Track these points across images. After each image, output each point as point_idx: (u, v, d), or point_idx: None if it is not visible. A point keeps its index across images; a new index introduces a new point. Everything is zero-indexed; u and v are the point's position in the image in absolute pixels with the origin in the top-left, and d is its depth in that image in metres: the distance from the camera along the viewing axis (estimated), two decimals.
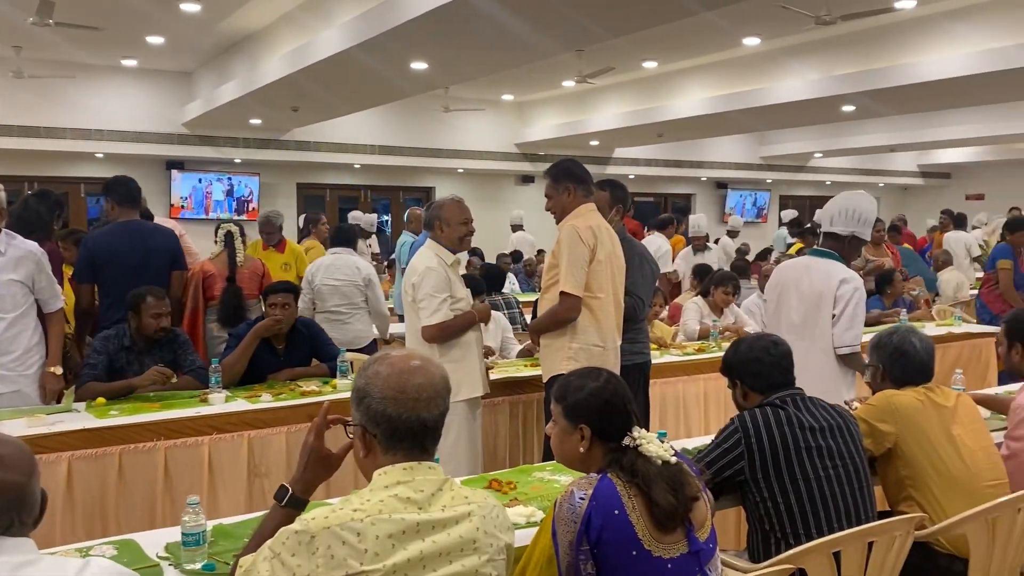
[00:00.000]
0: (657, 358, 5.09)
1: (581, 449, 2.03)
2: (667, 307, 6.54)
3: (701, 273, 7.02)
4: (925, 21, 8.43)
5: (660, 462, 1.92)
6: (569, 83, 11.32)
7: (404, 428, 1.67)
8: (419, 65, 7.98)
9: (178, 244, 4.86)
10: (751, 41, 9.61)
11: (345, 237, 5.79)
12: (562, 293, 3.59)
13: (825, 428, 2.52)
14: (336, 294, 5.46)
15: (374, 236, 11.00)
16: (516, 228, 12.51)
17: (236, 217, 12.98)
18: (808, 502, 2.43)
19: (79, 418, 3.57)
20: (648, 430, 2.02)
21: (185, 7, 8.20)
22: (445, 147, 13.89)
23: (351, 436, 1.77)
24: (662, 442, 2.90)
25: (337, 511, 1.58)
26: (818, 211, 3.84)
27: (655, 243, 8.50)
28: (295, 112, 10.74)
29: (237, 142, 12.41)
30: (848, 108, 10.76)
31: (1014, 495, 2.54)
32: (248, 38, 9.63)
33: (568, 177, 3.79)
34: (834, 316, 3.55)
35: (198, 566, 2.14)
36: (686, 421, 4.92)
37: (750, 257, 10.96)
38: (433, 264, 3.72)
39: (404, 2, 6.36)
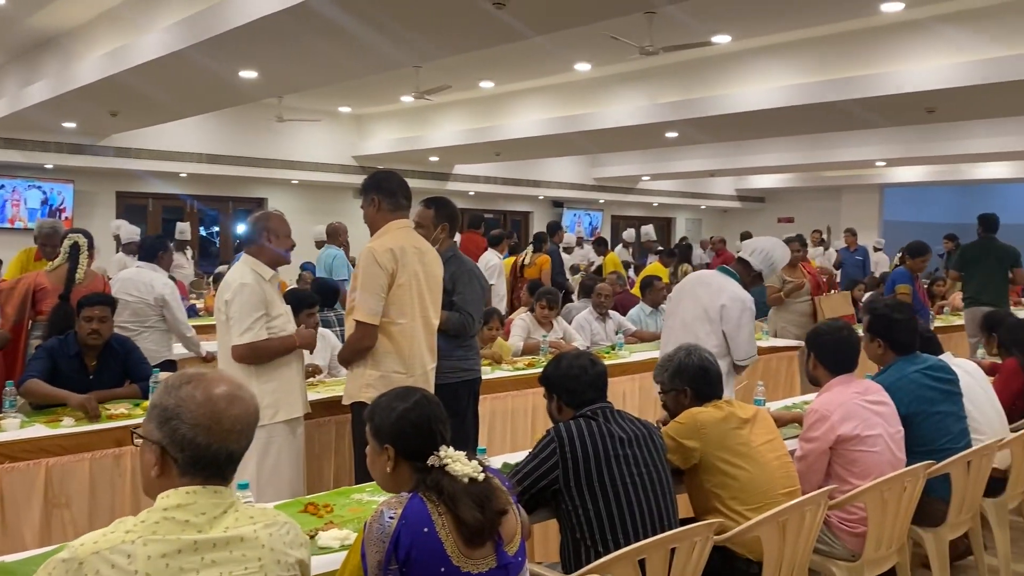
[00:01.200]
0: (488, 374, 5.18)
1: (388, 469, 2.06)
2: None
3: (532, 289, 7.19)
4: (740, 56, 9.07)
5: (466, 479, 1.95)
6: (407, 98, 11.30)
7: (210, 458, 1.61)
8: (248, 73, 7.74)
9: None
10: (582, 67, 9.98)
11: (150, 251, 5.48)
12: (356, 322, 3.48)
13: (632, 439, 2.65)
14: (127, 309, 5.11)
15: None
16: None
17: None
18: (616, 508, 2.55)
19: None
20: (477, 446, 2.06)
21: None
22: (278, 157, 13.49)
23: (136, 444, 1.68)
24: (481, 458, 2.96)
25: (108, 535, 1.51)
26: (747, 242, 4.36)
27: (486, 258, 8.63)
28: (114, 116, 10.11)
29: (48, 146, 11.53)
30: (672, 134, 11.38)
31: (800, 499, 2.76)
32: (64, 34, 8.98)
33: (375, 189, 3.68)
34: (725, 333, 4.02)
35: None
36: (514, 435, 5.01)
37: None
38: (249, 280, 3.51)
39: (232, 8, 6.15)
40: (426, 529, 1.89)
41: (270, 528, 1.66)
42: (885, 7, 7.32)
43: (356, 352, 3.53)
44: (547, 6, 5.71)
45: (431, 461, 1.98)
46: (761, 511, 2.73)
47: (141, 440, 1.67)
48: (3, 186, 11.98)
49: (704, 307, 4.08)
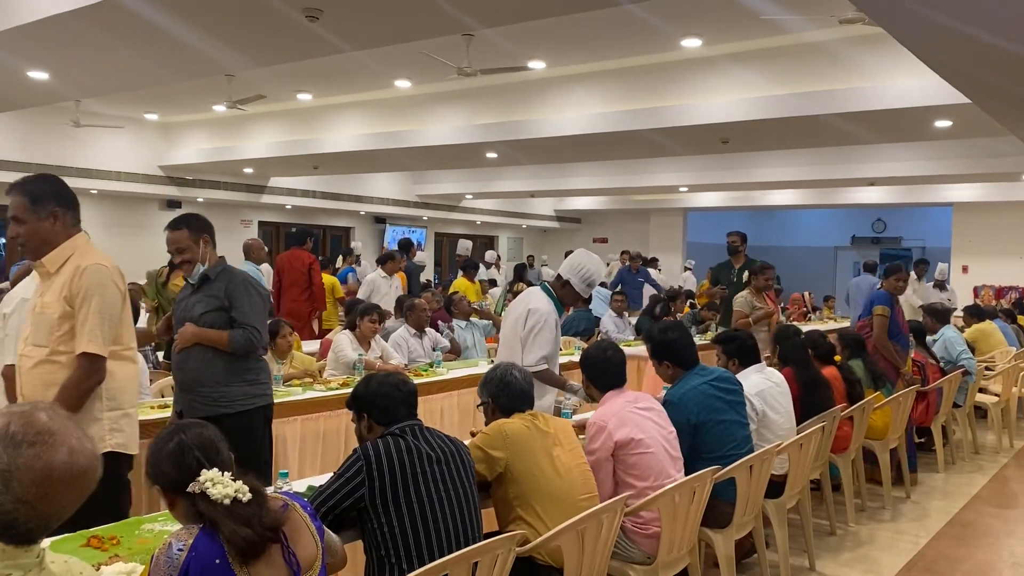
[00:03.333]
0: (300, 394, 5.04)
1: (164, 505, 2.07)
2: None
3: (351, 305, 7.09)
4: (554, 81, 9.42)
5: (228, 501, 1.91)
6: (220, 107, 10.86)
7: (25, 531, 1.43)
8: (39, 74, 7.16)
9: None
10: (403, 83, 9.99)
11: None
12: (85, 355, 2.88)
13: (440, 457, 2.69)
14: None
15: None
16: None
17: None
18: (421, 525, 2.56)
19: None
20: (272, 470, 2.01)
21: None
22: (75, 165, 12.52)
23: None
24: (283, 482, 2.88)
25: None
26: (567, 259, 4.44)
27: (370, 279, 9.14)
28: None
29: None
30: (492, 155, 11.62)
31: (597, 507, 2.88)
32: None
33: (55, 199, 3.00)
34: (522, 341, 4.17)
35: None
36: (324, 457, 4.90)
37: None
38: (31, 295, 3.32)
39: (18, 3, 5.68)
40: (218, 560, 1.85)
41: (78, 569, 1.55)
42: (685, 43, 7.87)
43: (87, 393, 2.92)
44: (362, 22, 5.69)
45: (190, 488, 1.93)
46: (563, 518, 2.83)
47: None
48: None
49: (515, 319, 4.29)
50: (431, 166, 14.70)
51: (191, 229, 3.71)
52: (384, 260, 9.34)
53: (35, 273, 3.40)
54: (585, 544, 2.81)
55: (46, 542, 1.63)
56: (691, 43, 7.86)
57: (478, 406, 3.33)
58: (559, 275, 4.37)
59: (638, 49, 8.36)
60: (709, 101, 8.43)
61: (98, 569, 2.26)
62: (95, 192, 13.33)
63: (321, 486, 2.64)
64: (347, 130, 11.31)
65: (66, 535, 2.47)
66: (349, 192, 16.61)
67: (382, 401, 2.76)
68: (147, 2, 5.20)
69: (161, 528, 2.64)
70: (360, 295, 8.90)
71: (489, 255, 14.48)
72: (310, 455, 4.82)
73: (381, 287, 8.90)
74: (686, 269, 16.20)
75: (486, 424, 3.25)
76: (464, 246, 11.99)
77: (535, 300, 4.28)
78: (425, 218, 19.05)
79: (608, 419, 3.37)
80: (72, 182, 11.09)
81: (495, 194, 17.71)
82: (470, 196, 18.36)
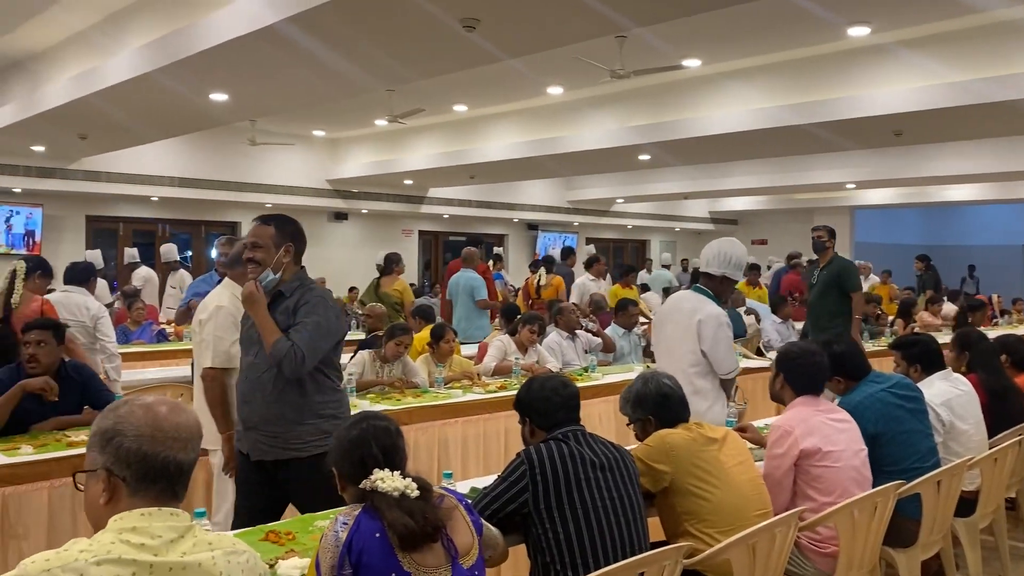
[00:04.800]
0: (461, 396, 5.14)
1: (340, 490, 2.22)
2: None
3: (508, 313, 7.17)
4: (710, 79, 9.16)
5: (397, 494, 2.05)
6: (381, 121, 11.31)
7: (159, 467, 1.60)
8: (219, 96, 7.70)
9: None
10: (555, 90, 10.04)
11: (79, 275, 5.65)
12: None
13: (604, 463, 2.62)
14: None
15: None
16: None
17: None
18: (586, 532, 2.51)
19: None
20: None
21: None
22: (252, 181, 13.41)
23: (82, 487, 1.64)
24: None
25: (61, 554, 1.48)
26: (701, 254, 4.30)
27: (580, 282, 9.38)
28: (83, 140, 10.01)
29: (17, 170, 11.39)
30: (644, 157, 11.45)
31: (770, 520, 2.74)
32: (31, 58, 8.90)
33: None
34: (703, 351, 3.96)
35: None
36: (487, 459, 4.96)
37: None
38: (225, 303, 3.53)
39: (203, 30, 6.12)
40: (378, 534, 2.00)
41: (228, 556, 1.62)
42: (852, 32, 7.44)
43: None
44: (518, 29, 5.74)
45: (363, 484, 2.09)
46: (733, 534, 2.70)
47: (84, 475, 1.63)
48: None
49: (683, 328, 4.05)
50: (583, 171, 14.70)
51: (278, 231, 3.26)
52: (591, 263, 9.51)
53: (228, 281, 3.64)
54: (756, 559, 2.67)
55: (227, 534, 1.73)
56: (859, 31, 7.42)
57: (629, 424, 3.20)
58: (706, 273, 4.13)
59: (800, 40, 7.99)
60: (880, 91, 7.93)
61: (275, 563, 2.36)
62: (269, 206, 14.20)
63: (485, 488, 2.65)
64: (501, 139, 11.49)
65: (247, 529, 2.60)
66: (503, 200, 16.87)
67: (541, 405, 2.74)
68: (315, 22, 5.47)
69: None
70: (573, 299, 8.99)
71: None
72: (472, 457, 4.89)
73: (590, 289, 9.03)
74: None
75: (638, 439, 3.14)
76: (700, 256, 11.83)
77: (704, 305, 4.04)
78: (576, 223, 19.05)
79: (795, 425, 3.17)
80: (249, 197, 11.96)
81: (647, 197, 17.44)
82: (621, 200, 18.20)
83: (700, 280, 4.21)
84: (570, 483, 2.53)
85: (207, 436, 3.37)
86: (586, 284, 9.38)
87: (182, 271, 10.08)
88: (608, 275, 10.38)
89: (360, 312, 11.56)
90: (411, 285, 13.00)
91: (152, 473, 1.59)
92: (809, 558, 3.11)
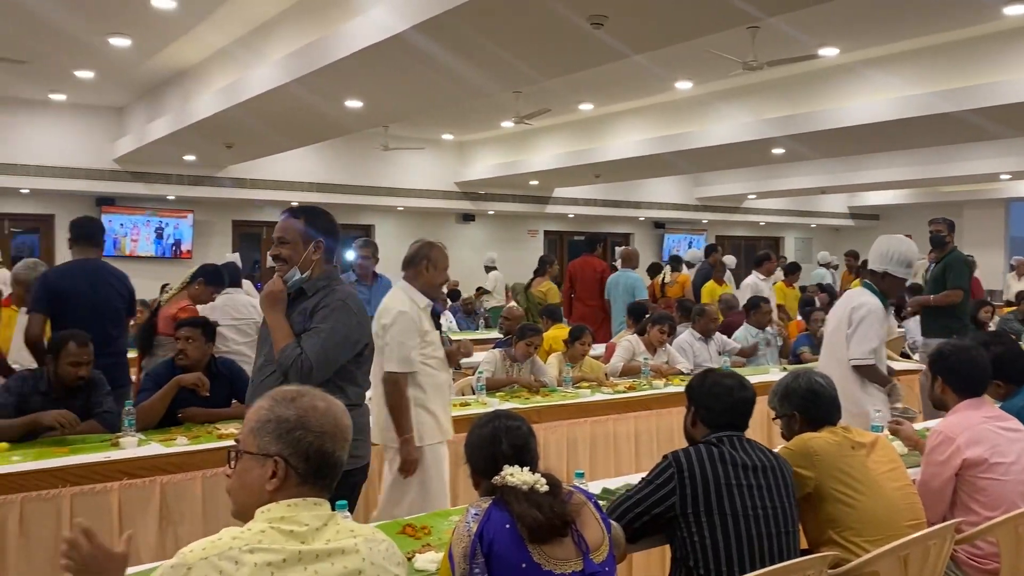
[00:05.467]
0: (589, 396, 5.11)
1: (474, 486, 2.26)
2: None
3: (636, 312, 7.07)
4: (849, 68, 8.74)
5: (526, 488, 2.08)
6: (508, 123, 11.43)
7: (332, 464, 1.71)
8: (354, 103, 7.97)
9: (131, 289, 4.83)
10: (683, 85, 9.84)
11: (234, 278, 5.96)
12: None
13: (757, 467, 2.51)
14: (237, 332, 5.47)
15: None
16: (490, 268, 12.65)
17: (171, 259, 12.81)
18: (734, 540, 2.42)
19: None
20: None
21: (115, 42, 8.06)
22: (384, 185, 13.85)
23: (232, 466, 1.74)
24: (579, 482, 2.89)
25: (216, 542, 1.57)
26: (871, 252, 4.32)
27: (749, 281, 9.13)
28: (229, 149, 10.60)
29: (170, 178, 12.18)
30: (778, 151, 11.06)
31: (924, 531, 2.57)
32: (181, 73, 9.50)
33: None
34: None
35: None
36: (617, 460, 4.90)
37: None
38: (406, 308, 3.59)
39: (337, 40, 6.35)
40: (507, 525, 2.03)
41: (370, 543, 1.70)
42: (1008, 10, 6.92)
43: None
44: (646, 24, 5.65)
45: (494, 480, 2.14)
46: (881, 544, 2.55)
47: (248, 455, 1.71)
48: (123, 223, 12.70)
49: (837, 319, 4.19)
50: (712, 167, 14.34)
51: (308, 226, 3.00)
52: (760, 261, 9.34)
53: (404, 285, 3.75)
54: (908, 572, 2.51)
55: (368, 526, 1.80)
56: (1016, 9, 6.89)
57: (775, 418, 3.09)
58: (871, 270, 4.16)
59: (947, 24, 7.50)
60: None
61: (412, 556, 2.41)
62: (401, 209, 14.65)
63: (629, 491, 2.58)
64: (627, 137, 11.37)
65: (385, 521, 2.67)
66: (629, 199, 16.70)
67: (712, 401, 2.62)
68: (443, 28, 5.57)
69: None
70: (741, 298, 8.78)
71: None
72: (601, 457, 4.84)
73: (761, 288, 8.81)
74: (1012, 268, 14.22)
75: (785, 438, 3.02)
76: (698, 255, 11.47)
77: (860, 296, 4.12)
78: (705, 221, 18.62)
79: (959, 432, 2.96)
80: (382, 201, 12.31)
81: (781, 192, 16.84)
82: (753, 196, 17.65)
83: (866, 276, 4.25)
84: (720, 488, 2.44)
85: (384, 435, 3.54)
86: (756, 283, 8.98)
87: None
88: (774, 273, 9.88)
89: (486, 311, 11.76)
90: None
91: (325, 469, 1.69)
92: (967, 574, 2.90)
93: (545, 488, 2.09)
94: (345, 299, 2.93)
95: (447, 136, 13.85)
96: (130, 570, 2.36)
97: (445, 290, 11.88)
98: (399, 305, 3.59)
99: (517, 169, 13.23)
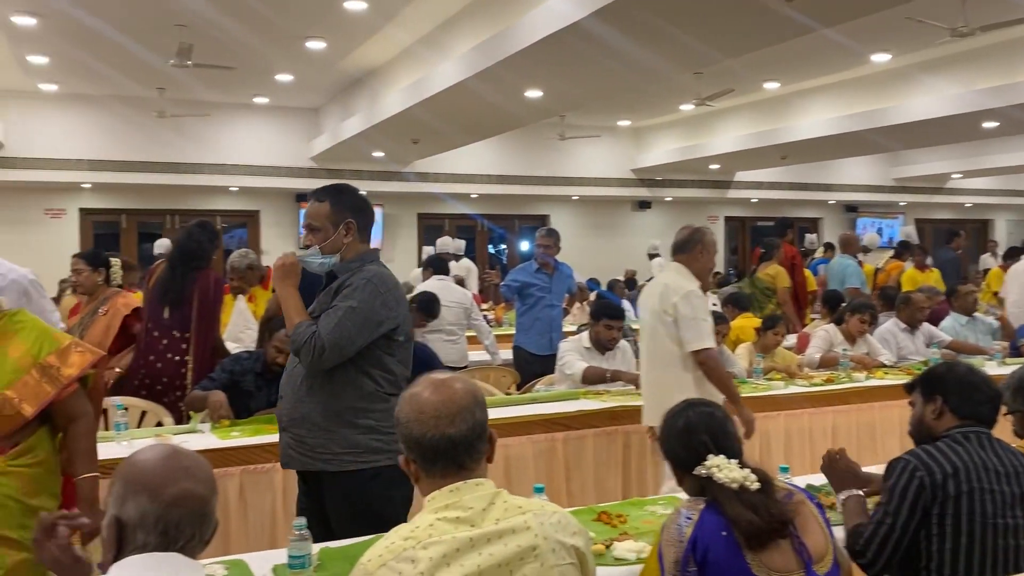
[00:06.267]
0: (782, 388, 4.88)
1: (678, 482, 2.12)
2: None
3: (832, 300, 6.69)
4: None
5: (735, 486, 1.94)
6: (687, 106, 11.15)
7: (431, 447, 1.68)
8: (534, 93, 8.03)
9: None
10: (880, 57, 9.18)
11: (444, 266, 6.52)
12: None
13: (1010, 473, 2.26)
14: (450, 314, 6.03)
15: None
16: (654, 256, 12.45)
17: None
18: (977, 549, 2.19)
19: (202, 439, 3.69)
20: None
21: (311, 45, 8.57)
22: (560, 175, 13.92)
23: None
24: (785, 477, 2.74)
25: (390, 545, 1.61)
26: None
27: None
28: (415, 144, 11.01)
29: (361, 174, 12.81)
30: (990, 124, 10.09)
31: None
32: (370, 73, 9.97)
33: (352, 211, 2.79)
34: None
35: None
36: (813, 457, 4.65)
37: None
38: (694, 286, 3.69)
39: (517, 32, 6.42)
40: (724, 532, 1.90)
41: (540, 517, 1.68)
42: None
43: None
44: None
45: (697, 471, 2.00)
46: None
47: (401, 456, 1.78)
48: None
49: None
50: (913, 144, 13.32)
51: (334, 206, 2.76)
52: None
53: (679, 267, 3.85)
54: None
55: (535, 499, 1.82)
56: None
57: (1006, 414, 2.78)
58: None
59: None
60: None
61: (610, 544, 2.38)
62: (576, 198, 14.66)
63: (874, 516, 2.28)
64: (817, 115, 10.79)
65: (580, 508, 2.66)
66: (817, 181, 15.84)
67: (966, 390, 2.36)
68: (622, 14, 5.48)
69: (663, 511, 2.70)
70: (1012, 289, 7.88)
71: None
72: (796, 453, 4.61)
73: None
74: None
75: (1017, 435, 2.72)
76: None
77: None
78: (902, 203, 17.34)
79: None
80: (558, 190, 12.34)
81: (992, 171, 15.37)
82: (958, 175, 16.22)
83: None
84: (969, 493, 2.19)
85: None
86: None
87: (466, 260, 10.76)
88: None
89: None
90: (717, 273, 12.70)
91: (429, 453, 1.69)
92: None
93: (756, 485, 1.95)
94: (371, 278, 2.68)
95: (623, 122, 13.70)
96: (338, 543, 2.49)
97: (622, 278, 11.80)
98: (687, 284, 3.68)
99: (696, 153, 12.89)
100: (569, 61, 6.82)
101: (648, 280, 12.31)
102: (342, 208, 2.74)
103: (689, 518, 1.93)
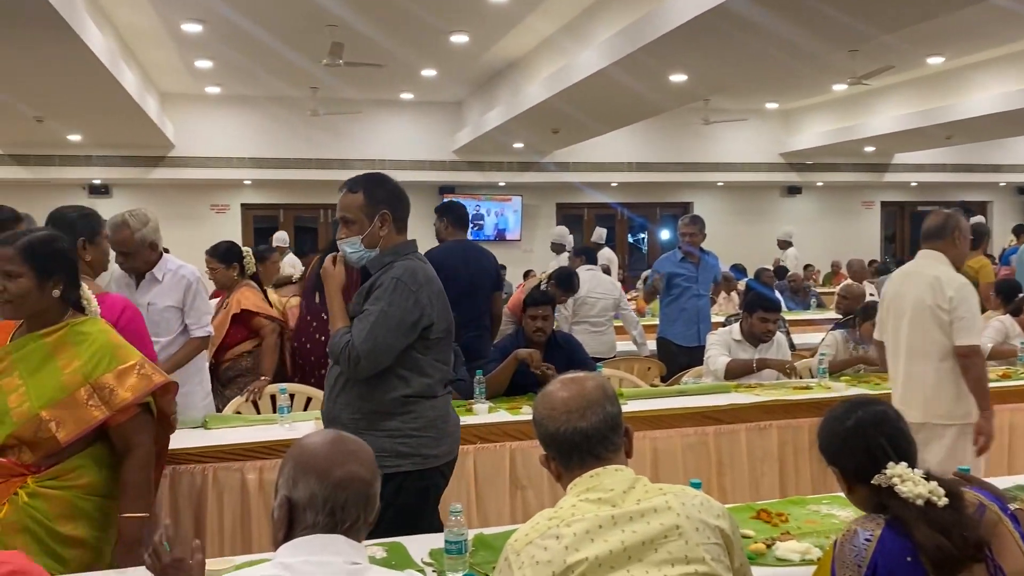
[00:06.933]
0: None
1: (846, 493, 1.91)
2: None
3: (1006, 290, 6.18)
4: None
5: (920, 502, 1.71)
6: (840, 86, 10.59)
7: (565, 441, 1.74)
8: (678, 77, 7.85)
9: (499, 267, 5.11)
10: None
11: (594, 256, 6.60)
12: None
13: None
14: (597, 306, 6.12)
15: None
16: (786, 245, 11.91)
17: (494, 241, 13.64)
18: None
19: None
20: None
21: (455, 39, 8.71)
22: (704, 160, 13.56)
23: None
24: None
25: (535, 525, 1.68)
26: None
27: None
28: (555, 134, 11.01)
29: (501, 166, 12.97)
30: None
31: None
32: (511, 65, 10.04)
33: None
34: None
35: (459, 575, 2.17)
36: (1012, 456, 4.31)
37: None
38: (966, 280, 3.47)
39: (660, 16, 6.28)
40: (909, 558, 1.68)
41: (681, 499, 1.70)
42: None
43: None
44: None
45: (875, 481, 1.79)
46: None
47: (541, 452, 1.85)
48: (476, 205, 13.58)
49: None
50: None
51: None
52: None
53: (940, 256, 3.61)
54: None
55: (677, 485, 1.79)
56: None
57: None
58: None
59: None
60: None
61: (771, 544, 2.28)
62: (721, 184, 14.26)
63: None
64: (988, 90, 10.00)
65: (737, 504, 2.56)
66: (986, 162, 14.71)
67: None
68: None
69: (827, 511, 2.57)
70: None
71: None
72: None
73: None
74: None
75: None
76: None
77: None
78: None
79: None
80: (702, 177, 12.04)
81: None
82: None
83: None
84: None
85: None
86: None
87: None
88: None
89: (817, 290, 11.01)
90: (873, 262, 12.00)
91: (565, 447, 1.75)
92: None
93: (944, 501, 1.71)
94: (400, 276, 2.57)
95: (771, 105, 13.19)
96: (491, 530, 2.52)
97: (770, 266, 11.36)
98: (961, 276, 3.47)
99: (851, 135, 12.23)
100: (715, 43, 6.61)
101: (889, 264, 11.46)
102: (376, 199, 2.66)
103: (868, 539, 1.71)
